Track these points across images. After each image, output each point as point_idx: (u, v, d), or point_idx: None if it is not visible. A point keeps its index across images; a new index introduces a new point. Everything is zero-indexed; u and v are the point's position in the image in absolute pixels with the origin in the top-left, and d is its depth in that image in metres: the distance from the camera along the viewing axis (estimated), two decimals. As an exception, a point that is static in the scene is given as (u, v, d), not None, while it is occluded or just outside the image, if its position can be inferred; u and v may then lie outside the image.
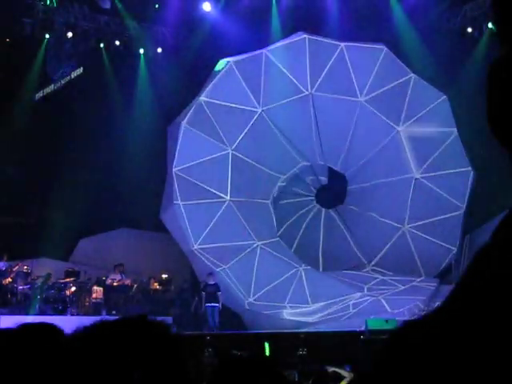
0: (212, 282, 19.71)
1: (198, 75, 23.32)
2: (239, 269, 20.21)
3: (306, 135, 21.92)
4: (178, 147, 21.20)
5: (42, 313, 18.97)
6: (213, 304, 19.48)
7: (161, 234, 23.28)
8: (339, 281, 20.52)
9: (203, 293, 19.70)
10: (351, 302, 19.63)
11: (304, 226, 23.59)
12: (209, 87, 21.24)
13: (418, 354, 0.83)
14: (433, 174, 21.65)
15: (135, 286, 21.46)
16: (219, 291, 19.67)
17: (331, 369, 9.41)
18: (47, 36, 23.36)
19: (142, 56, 24.95)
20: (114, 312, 20.17)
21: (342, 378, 9.50)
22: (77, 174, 23.54)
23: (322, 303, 19.80)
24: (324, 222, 23.74)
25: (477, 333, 0.80)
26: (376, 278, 20.84)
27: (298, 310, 19.82)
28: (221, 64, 21.41)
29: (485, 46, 22.18)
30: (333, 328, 18.23)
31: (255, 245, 21.16)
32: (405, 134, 21.61)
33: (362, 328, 17.07)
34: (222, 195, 21.29)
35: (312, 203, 24.07)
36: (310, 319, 19.49)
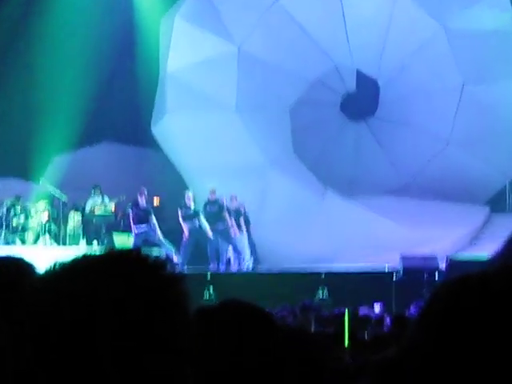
0: (214, 199, 19.11)
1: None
2: (246, 193, 20.10)
3: (331, 30, 21.67)
4: (171, 44, 21.12)
5: (7, 243, 19.24)
6: (214, 226, 18.93)
7: (152, 150, 23.35)
8: (369, 208, 20.58)
9: (201, 216, 19.18)
10: (383, 234, 19.64)
11: (327, 141, 23.55)
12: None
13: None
14: (485, 81, 21.54)
15: (120, 213, 21.45)
16: (224, 210, 19.01)
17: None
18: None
19: None
20: (94, 243, 20.40)
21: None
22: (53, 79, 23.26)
23: (347, 235, 19.80)
24: (352, 137, 23.71)
25: None
26: (414, 205, 20.95)
27: (318, 244, 19.77)
28: None
29: None
30: (360, 266, 18.33)
31: (266, 164, 21.22)
32: (451, 31, 21.41)
33: (396, 266, 17.32)
34: (226, 103, 21.20)
35: (337, 114, 23.97)
36: (332, 255, 19.54)
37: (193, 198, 19.59)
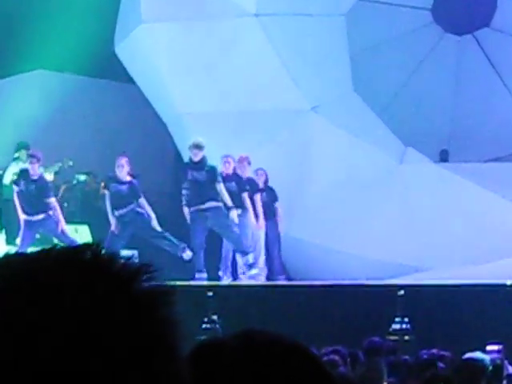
0: (197, 159, 19.57)
1: None
2: (271, 153, 20.45)
3: None
4: None
5: None
6: (201, 206, 19.38)
7: (115, 83, 24.20)
8: (477, 182, 20.84)
9: (183, 191, 19.70)
10: (502, 225, 20.01)
11: (409, 70, 23.77)
12: None
13: None
14: None
15: (63, 186, 21.86)
16: (217, 180, 19.41)
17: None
18: None
19: None
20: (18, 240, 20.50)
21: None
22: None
23: (440, 224, 20.19)
24: (451, 62, 23.96)
25: None
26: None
27: (391, 240, 20.06)
28: None
29: None
30: (458, 277, 18.60)
31: (307, 107, 21.45)
32: None
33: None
34: (240, 5, 21.52)
35: (427, 25, 24.18)
36: (415, 259, 19.85)
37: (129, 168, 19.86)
